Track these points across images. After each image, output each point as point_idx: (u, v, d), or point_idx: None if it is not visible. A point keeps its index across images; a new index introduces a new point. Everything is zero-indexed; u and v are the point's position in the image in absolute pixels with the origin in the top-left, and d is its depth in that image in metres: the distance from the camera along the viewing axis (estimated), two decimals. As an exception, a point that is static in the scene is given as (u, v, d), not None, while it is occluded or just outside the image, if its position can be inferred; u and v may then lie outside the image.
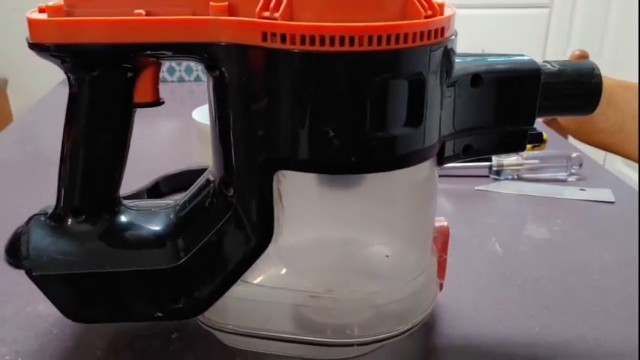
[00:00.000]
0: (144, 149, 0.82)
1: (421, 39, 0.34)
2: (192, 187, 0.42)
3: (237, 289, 0.40)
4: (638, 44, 1.92)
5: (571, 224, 0.62)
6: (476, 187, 0.69)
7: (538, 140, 0.41)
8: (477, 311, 0.47)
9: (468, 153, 0.40)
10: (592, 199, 0.67)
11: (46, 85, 1.15)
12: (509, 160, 0.71)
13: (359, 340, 0.41)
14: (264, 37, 0.33)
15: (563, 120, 1.17)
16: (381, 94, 0.34)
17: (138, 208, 0.42)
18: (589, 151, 1.17)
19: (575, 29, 2.24)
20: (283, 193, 0.37)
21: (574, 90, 0.40)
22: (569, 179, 0.72)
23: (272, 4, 0.33)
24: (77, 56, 0.37)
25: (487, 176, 0.72)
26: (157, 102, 0.39)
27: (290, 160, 0.35)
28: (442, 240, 0.45)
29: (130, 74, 0.38)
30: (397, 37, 0.33)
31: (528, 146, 0.76)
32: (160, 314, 0.40)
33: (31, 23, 0.36)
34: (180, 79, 1.15)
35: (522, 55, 0.41)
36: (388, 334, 0.42)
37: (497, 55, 0.40)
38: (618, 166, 2.15)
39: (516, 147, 0.42)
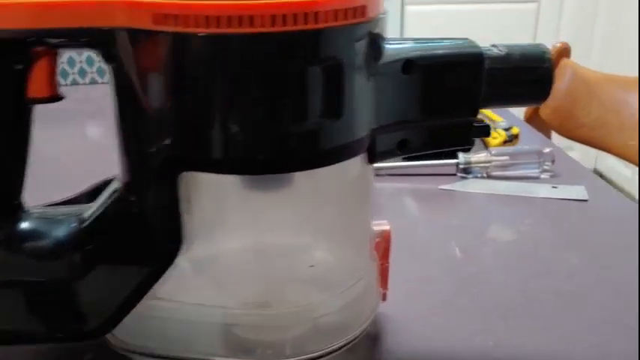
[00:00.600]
0: (108, 153, 0.78)
1: (335, 18, 0.29)
2: (101, 194, 0.37)
3: (154, 307, 0.36)
4: (638, 39, 1.88)
5: (539, 225, 0.58)
6: (440, 187, 0.65)
7: (485, 133, 0.36)
8: (426, 323, 0.43)
9: (404, 149, 0.36)
10: (564, 198, 0.63)
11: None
12: (478, 157, 0.67)
13: (294, 359, 0.37)
14: (156, 20, 0.29)
15: (545, 115, 1.13)
16: (289, 82, 0.30)
17: (43, 215, 0.38)
18: (582, 147, 1.13)
19: (564, 24, 2.20)
20: (193, 198, 0.33)
21: (523, 76, 0.36)
22: (542, 176, 0.68)
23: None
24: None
25: (455, 174, 0.68)
26: (54, 97, 0.35)
27: (192, 160, 0.31)
28: (384, 246, 0.41)
29: (19, 66, 0.33)
30: (305, 16, 0.28)
31: (498, 141, 0.72)
32: (60, 335, 0.35)
33: None
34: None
35: (466, 39, 0.36)
36: (325, 350, 0.37)
37: (436, 39, 0.36)
38: (610, 161, 2.12)
39: (460, 141, 0.37)
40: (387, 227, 0.41)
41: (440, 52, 0.35)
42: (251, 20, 0.28)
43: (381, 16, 0.33)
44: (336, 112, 0.31)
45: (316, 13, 0.29)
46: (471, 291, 0.47)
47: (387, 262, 0.41)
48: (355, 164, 0.35)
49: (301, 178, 0.34)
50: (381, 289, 0.41)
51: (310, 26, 0.29)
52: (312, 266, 0.37)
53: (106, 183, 0.60)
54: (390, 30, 0.34)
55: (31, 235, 0.36)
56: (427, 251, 0.52)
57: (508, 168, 0.68)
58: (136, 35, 0.30)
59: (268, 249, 0.37)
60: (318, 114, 0.31)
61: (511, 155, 0.68)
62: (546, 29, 2.18)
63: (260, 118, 0.30)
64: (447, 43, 0.36)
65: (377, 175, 0.68)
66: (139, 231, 0.34)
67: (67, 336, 0.36)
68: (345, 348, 0.38)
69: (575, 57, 1.14)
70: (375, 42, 0.32)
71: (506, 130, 0.73)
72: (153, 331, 0.37)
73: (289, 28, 0.28)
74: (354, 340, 0.38)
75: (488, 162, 0.67)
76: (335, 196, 0.37)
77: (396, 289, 0.42)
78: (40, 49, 0.33)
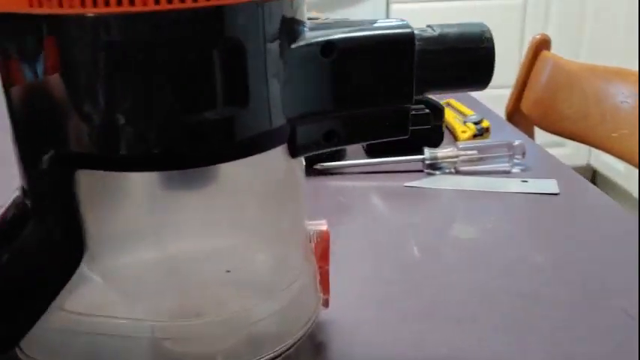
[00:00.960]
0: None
1: (234, -6, 0.26)
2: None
3: (76, 322, 0.33)
4: (638, 36, 1.85)
5: (506, 221, 0.55)
6: (405, 184, 0.62)
7: (425, 122, 0.34)
8: (376, 329, 0.40)
9: (332, 140, 0.33)
10: (534, 192, 0.60)
11: None
12: (444, 152, 0.64)
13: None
14: (32, 2, 0.26)
15: (527, 109, 1.10)
16: (181, 67, 0.26)
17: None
18: (573, 143, 1.09)
19: (552, 18, 2.18)
20: (96, 200, 0.30)
21: (459, 58, 0.33)
22: (514, 170, 0.65)
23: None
24: None
25: (422, 171, 0.65)
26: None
27: (85, 157, 0.28)
28: (322, 247, 0.37)
29: None
30: (196, -8, 0.25)
31: (467, 135, 0.69)
32: (-43, 354, 0.32)
33: None
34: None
35: (402, 20, 0.33)
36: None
37: (366, 21, 0.33)
38: (604, 157, 2.08)
39: (397, 131, 0.34)
40: (324, 227, 0.38)
41: (365, 33, 0.32)
42: (131, -2, 0.25)
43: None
44: (242, 100, 0.28)
45: (209, -11, 0.26)
46: (425, 293, 0.43)
47: (327, 265, 0.38)
48: (276, 158, 0.32)
49: (218, 174, 0.31)
50: (322, 295, 0.38)
51: (202, 4, 0.26)
52: (228, 271, 0.34)
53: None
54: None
55: None
56: (383, 252, 0.49)
57: (477, 163, 0.64)
58: (13, 20, 0.27)
59: (187, 254, 0.34)
60: (221, 102, 0.28)
61: (479, 149, 0.64)
62: (534, 24, 2.16)
63: (154, 108, 0.27)
64: (376, 24, 0.33)
65: (341, 173, 0.65)
66: (37, 238, 0.31)
67: (-34, 356, 0.33)
68: (282, 356, 0.35)
69: (564, 51, 1.11)
70: (288, 24, 0.29)
71: (476, 123, 0.70)
72: (76, 347, 0.34)
73: (175, 6, 0.25)
74: (291, 347, 0.35)
75: (456, 157, 0.64)
76: (257, 193, 0.34)
77: (344, 292, 0.39)
78: None
